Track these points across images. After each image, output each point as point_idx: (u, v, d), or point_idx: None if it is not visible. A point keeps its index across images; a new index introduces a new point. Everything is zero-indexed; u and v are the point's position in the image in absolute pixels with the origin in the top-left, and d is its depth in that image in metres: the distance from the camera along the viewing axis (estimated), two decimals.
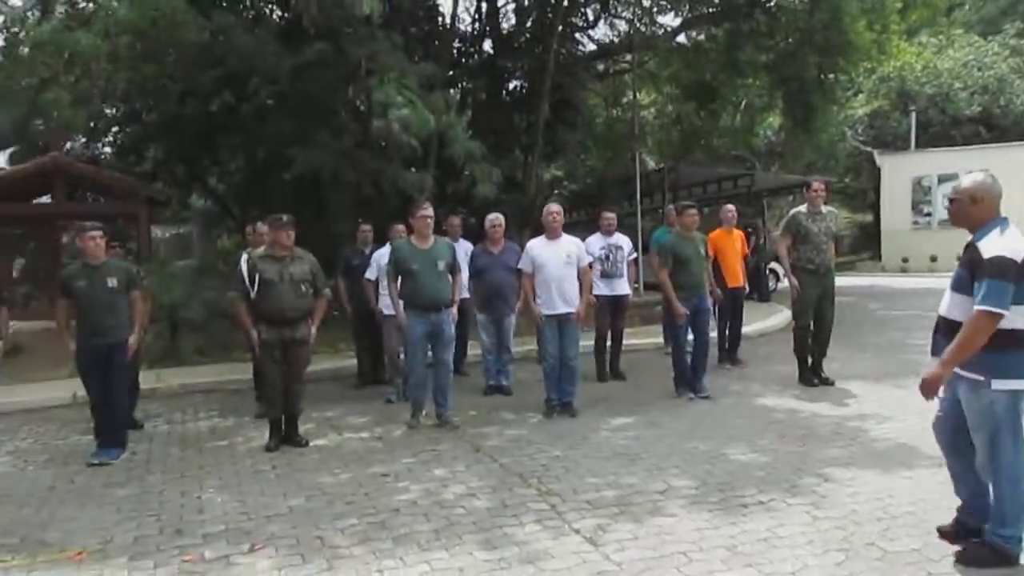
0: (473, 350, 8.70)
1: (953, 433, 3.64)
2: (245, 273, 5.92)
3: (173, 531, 4.26)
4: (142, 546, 4.06)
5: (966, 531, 3.68)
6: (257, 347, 6.02)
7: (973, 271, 3.36)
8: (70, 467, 5.71)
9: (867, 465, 4.92)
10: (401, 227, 7.67)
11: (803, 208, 7.61)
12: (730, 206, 8.84)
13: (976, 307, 3.27)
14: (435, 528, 4.13)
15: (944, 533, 3.77)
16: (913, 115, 28.59)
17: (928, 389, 3.42)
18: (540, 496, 4.59)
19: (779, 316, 12.38)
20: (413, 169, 10.67)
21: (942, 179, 26.30)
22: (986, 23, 33.78)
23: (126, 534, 4.24)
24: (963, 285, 3.44)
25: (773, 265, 15.89)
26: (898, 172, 26.64)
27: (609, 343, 8.31)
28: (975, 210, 3.43)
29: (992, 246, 3.30)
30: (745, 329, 9.15)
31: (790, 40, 13.28)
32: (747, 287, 9.27)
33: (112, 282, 5.81)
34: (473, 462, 5.34)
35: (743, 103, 19.37)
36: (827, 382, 7.46)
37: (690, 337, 7.29)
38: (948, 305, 3.54)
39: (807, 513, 4.17)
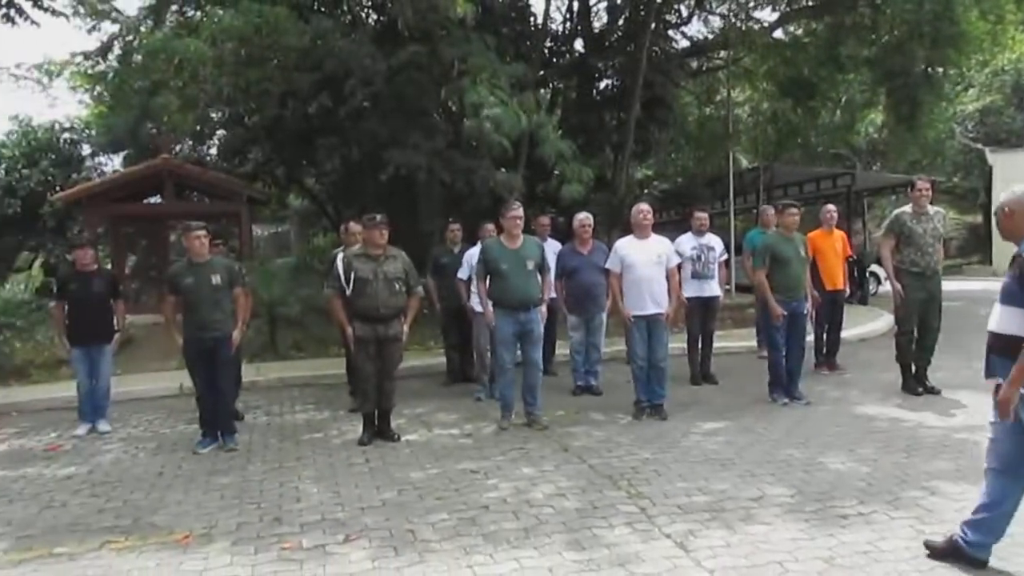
0: (561, 350, 8.69)
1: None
2: (341, 271, 6.06)
3: (272, 519, 4.42)
4: (244, 532, 4.23)
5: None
6: (351, 343, 6.17)
7: (1022, 283, 3.26)
8: (177, 454, 6.00)
9: (976, 479, 4.63)
10: (491, 226, 7.75)
11: (908, 208, 7.28)
12: (831, 206, 8.52)
13: None
14: (524, 526, 4.15)
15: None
16: None
17: (1003, 412, 3.32)
18: (630, 499, 4.55)
19: (880, 321, 11.90)
20: (503, 169, 10.72)
21: None
22: None
23: (229, 520, 4.43)
24: (1013, 297, 3.31)
25: (874, 268, 15.31)
26: (1011, 171, 25.13)
27: (700, 346, 8.17)
28: (1011, 223, 3.40)
29: None
30: (844, 334, 8.82)
31: (896, 33, 12.71)
32: (848, 290, 8.92)
33: (216, 279, 6.06)
34: (562, 462, 5.34)
35: (843, 99, 18.70)
36: (932, 391, 7.13)
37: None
38: (998, 319, 3.39)
39: (911, 527, 3.99)
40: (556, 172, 10.87)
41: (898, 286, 7.13)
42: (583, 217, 7.76)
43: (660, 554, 3.74)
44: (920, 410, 6.53)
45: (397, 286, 6.06)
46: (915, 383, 7.17)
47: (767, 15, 15.62)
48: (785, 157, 18.75)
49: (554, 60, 14.57)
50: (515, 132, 8.48)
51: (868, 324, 11.55)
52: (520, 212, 6.45)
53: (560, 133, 9.09)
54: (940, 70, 13.45)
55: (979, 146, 27.54)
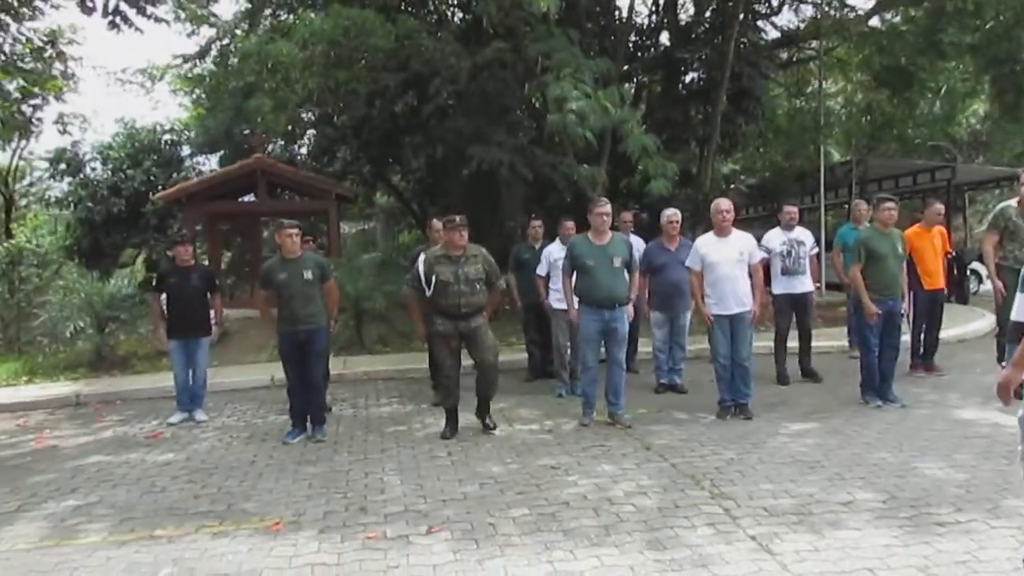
0: (643, 348, 8.61)
1: None
2: (422, 273, 6.10)
3: (358, 508, 4.53)
4: (331, 520, 4.35)
5: None
6: (427, 339, 6.26)
7: None
8: (268, 443, 6.22)
9: None
10: (570, 223, 7.74)
11: (1013, 202, 6.93)
12: (939, 205, 8.07)
13: None
14: (604, 524, 4.13)
15: None
16: None
17: (1000, 393, 3.31)
18: (713, 499, 4.47)
19: (981, 321, 11.33)
20: (586, 165, 10.67)
21: None
22: None
23: (316, 508, 4.56)
24: None
25: (975, 265, 14.59)
26: None
27: (797, 342, 7.96)
28: None
29: None
30: (942, 334, 8.42)
31: (1001, 18, 12.04)
32: (946, 289, 8.50)
33: (308, 274, 6.26)
34: (643, 460, 5.29)
35: (943, 89, 17.84)
36: None
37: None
38: (1017, 308, 3.37)
39: (1012, 537, 3.79)
40: (640, 167, 10.78)
41: (999, 284, 6.80)
42: (671, 213, 7.68)
43: (744, 556, 3.66)
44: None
45: (478, 286, 6.11)
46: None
47: (861, 2, 15.04)
48: (879, 150, 18.02)
49: (639, 54, 14.40)
50: (599, 125, 8.42)
51: (968, 324, 11.01)
52: (607, 208, 6.44)
53: (644, 128, 8.98)
54: None
55: None
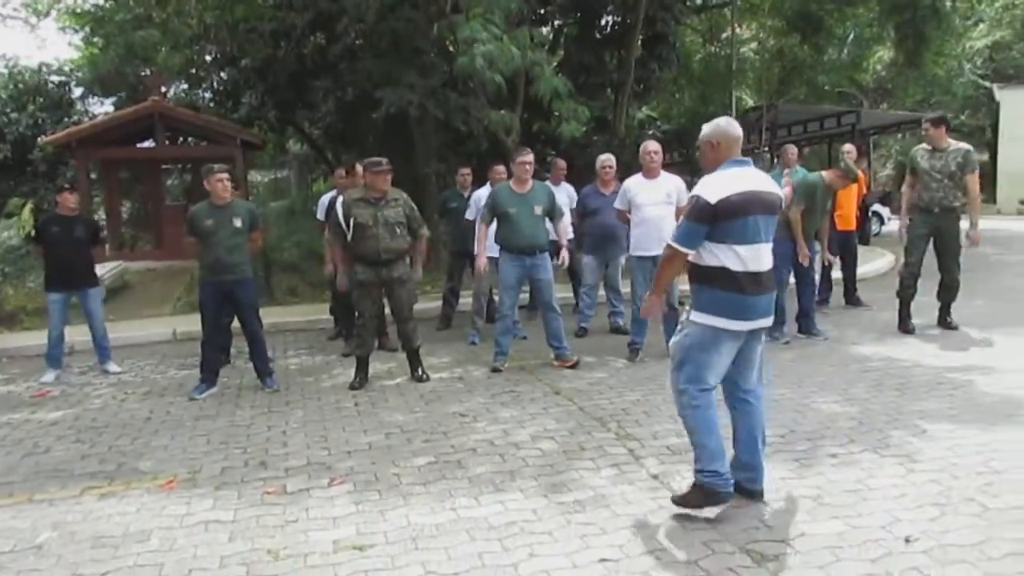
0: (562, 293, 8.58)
1: None
2: (341, 217, 5.93)
3: (258, 463, 4.39)
4: (228, 476, 4.20)
5: None
6: (351, 286, 6.10)
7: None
8: (166, 399, 5.96)
9: (968, 419, 4.60)
10: (501, 167, 7.65)
11: (925, 144, 7.16)
12: (849, 146, 8.37)
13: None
14: (510, 469, 4.11)
15: None
16: None
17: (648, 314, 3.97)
18: (618, 440, 4.50)
19: (881, 260, 11.79)
20: (502, 111, 10.48)
21: None
22: None
23: (214, 464, 4.39)
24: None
25: (876, 207, 15.10)
26: (1019, 107, 24.76)
27: None
28: (713, 154, 3.53)
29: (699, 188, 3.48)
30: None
31: None
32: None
33: (237, 222, 5.98)
34: (552, 404, 5.29)
35: (850, 36, 18.22)
36: (950, 326, 7.16)
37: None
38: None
39: (900, 465, 3.93)
40: (555, 113, 10.65)
41: (905, 220, 7.12)
42: (605, 158, 7.68)
43: (645, 495, 3.69)
44: (917, 349, 6.46)
45: (399, 230, 5.92)
46: (908, 321, 7.13)
47: None
48: (790, 96, 18.36)
49: None
50: (509, 69, 8.22)
51: (868, 264, 11.40)
52: (529, 158, 6.35)
53: (556, 71, 8.83)
54: (948, 3, 13.02)
55: (988, 84, 26.99)
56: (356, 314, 6.47)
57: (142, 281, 11.36)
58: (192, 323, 8.85)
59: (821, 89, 21.19)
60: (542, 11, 13.47)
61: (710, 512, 3.45)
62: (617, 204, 6.74)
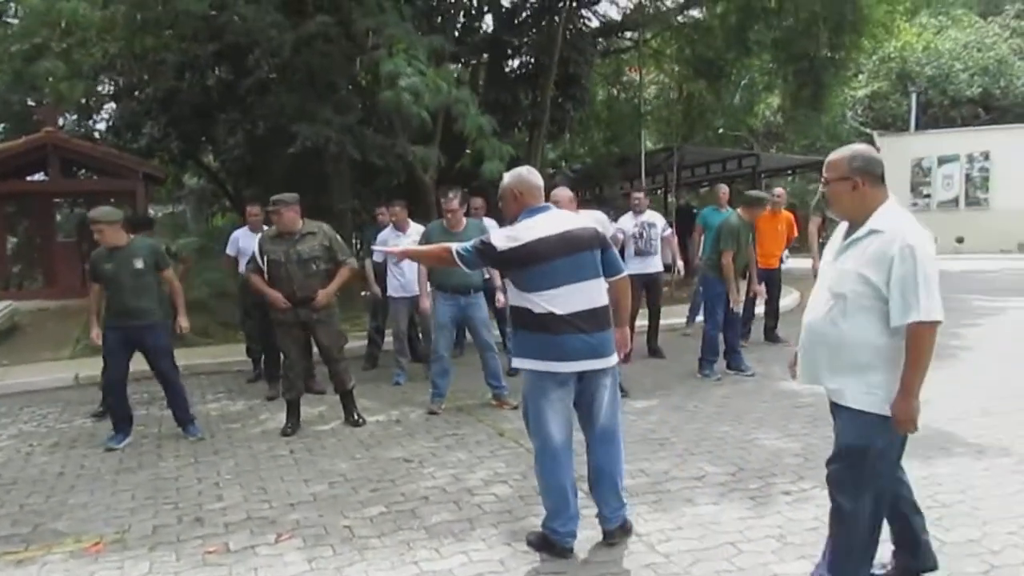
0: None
1: None
2: (258, 255, 5.75)
3: (192, 519, 4.07)
4: (162, 536, 3.87)
5: None
6: (276, 323, 5.85)
7: None
8: (78, 451, 5.52)
9: (907, 453, 4.74)
10: (382, 211, 7.97)
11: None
12: (779, 190, 8.81)
13: None
14: (467, 517, 3.96)
15: None
16: (914, 96, 28.47)
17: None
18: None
19: (788, 298, 12.22)
20: (420, 146, 10.40)
21: (942, 160, 26.27)
22: (986, 3, 33.55)
23: (143, 523, 4.05)
24: None
25: None
26: (898, 154, 26.46)
27: (646, 321, 8.17)
28: (515, 204, 3.57)
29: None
30: (757, 310, 9.01)
31: (802, 17, 13.01)
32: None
33: (138, 263, 5.54)
34: (498, 446, 5.17)
35: (742, 82, 19.09)
36: None
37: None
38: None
39: None
40: (468, 150, 10.66)
41: (818, 262, 7.36)
42: (558, 191, 7.60)
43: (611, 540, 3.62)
44: None
45: (315, 265, 5.68)
46: None
47: None
48: (692, 140, 19.04)
49: (467, 37, 14.24)
50: (435, 103, 8.16)
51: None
52: (455, 205, 6.23)
53: (481, 109, 8.82)
54: (842, 54, 13.83)
55: (868, 130, 28.77)
56: (282, 356, 6.18)
57: (34, 322, 10.59)
58: (95, 367, 8.30)
59: (716, 133, 22.12)
60: (454, 49, 13.52)
61: (687, 557, 3.41)
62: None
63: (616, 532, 3.60)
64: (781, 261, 8.90)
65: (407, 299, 7.27)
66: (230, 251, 7.65)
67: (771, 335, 8.90)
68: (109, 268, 5.52)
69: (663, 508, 4.01)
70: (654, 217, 8.25)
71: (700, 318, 8.31)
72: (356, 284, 8.20)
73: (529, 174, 3.60)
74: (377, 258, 7.61)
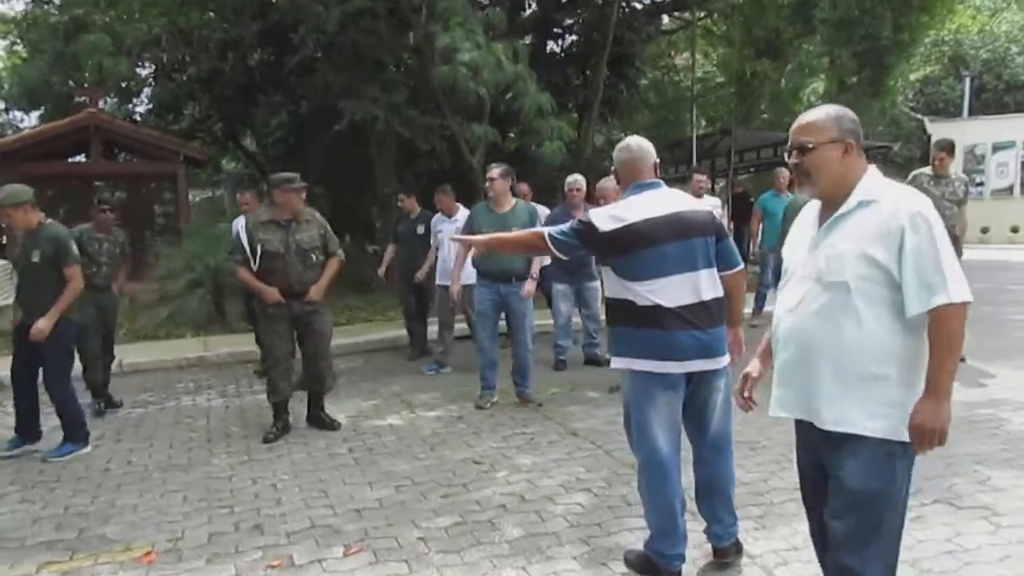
0: (540, 320, 8.09)
1: None
2: (245, 243, 5.15)
3: (251, 527, 3.72)
4: (219, 545, 3.52)
5: None
6: (261, 320, 5.35)
7: None
8: (123, 444, 5.21)
9: (1015, 466, 4.26)
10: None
11: (927, 170, 6.95)
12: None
13: None
14: (552, 530, 3.56)
15: None
16: (967, 80, 27.46)
17: None
18: None
19: None
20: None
21: (996, 147, 25.27)
22: None
23: (198, 529, 3.70)
24: None
25: None
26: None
27: None
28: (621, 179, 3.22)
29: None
30: None
31: None
32: None
33: (35, 255, 4.84)
34: (573, 448, 4.75)
35: (787, 67, 18.38)
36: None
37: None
38: None
39: (985, 520, 3.54)
40: (512, 133, 10.27)
41: None
42: (573, 180, 7.13)
43: (722, 559, 3.19)
44: None
45: (314, 256, 5.21)
46: None
47: None
48: (742, 123, 18.41)
49: (513, 16, 13.79)
50: (495, 80, 7.72)
51: None
52: (496, 174, 5.75)
53: (541, 86, 8.39)
54: (907, 35, 13.14)
55: (919, 116, 27.83)
56: (266, 354, 5.58)
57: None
58: (140, 353, 8.09)
59: (763, 119, 21.42)
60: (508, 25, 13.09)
61: None
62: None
63: (730, 550, 3.18)
64: None
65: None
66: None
67: None
68: (18, 256, 4.96)
69: (770, 524, 3.57)
70: (714, 202, 7.81)
71: (768, 307, 7.84)
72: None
73: (639, 143, 3.19)
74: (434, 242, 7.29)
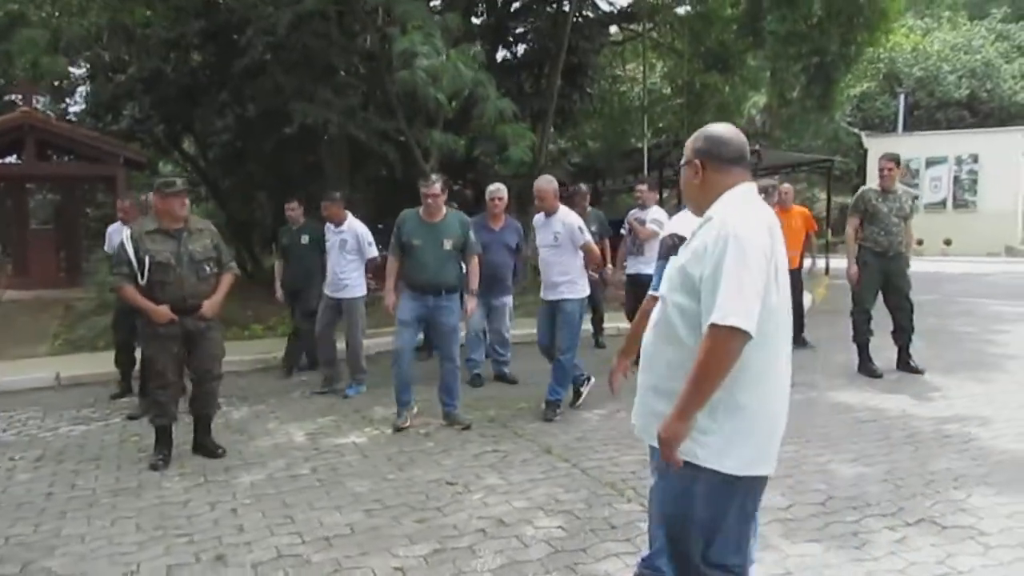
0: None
1: None
2: (131, 254, 4.72)
3: (213, 557, 3.47)
4: None
5: None
6: (147, 337, 4.89)
7: None
8: (66, 465, 4.87)
9: (1002, 480, 4.23)
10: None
11: (874, 186, 7.01)
12: (786, 185, 8.19)
13: None
14: (537, 557, 3.40)
15: None
16: (902, 97, 28.34)
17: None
18: (645, 512, 3.86)
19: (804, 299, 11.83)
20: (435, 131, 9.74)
21: (930, 162, 26.15)
22: (972, 7, 33.61)
23: (154, 561, 3.44)
24: None
25: None
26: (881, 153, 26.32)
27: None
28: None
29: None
30: None
31: (815, 10, 12.56)
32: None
33: None
34: (548, 467, 4.60)
35: (732, 79, 18.61)
36: (916, 371, 6.90)
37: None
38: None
39: (973, 541, 3.50)
40: (471, 136, 10.13)
41: (854, 268, 6.91)
42: (495, 189, 6.86)
43: None
44: (893, 396, 6.18)
45: (207, 268, 4.88)
46: (872, 364, 6.95)
47: None
48: (690, 133, 18.59)
49: (469, 19, 13.66)
50: (454, 88, 7.55)
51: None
52: (437, 190, 5.47)
53: (502, 91, 8.25)
54: (853, 50, 13.42)
55: (856, 131, 28.61)
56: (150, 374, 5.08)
57: (6, 315, 9.85)
58: (77, 365, 7.68)
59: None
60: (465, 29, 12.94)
61: None
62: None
63: None
64: (801, 260, 8.32)
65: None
66: (108, 248, 6.99)
67: (797, 339, 8.42)
68: None
69: (759, 547, 3.48)
70: (656, 213, 7.47)
71: None
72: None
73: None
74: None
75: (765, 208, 2.23)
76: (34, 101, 12.90)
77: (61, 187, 14.16)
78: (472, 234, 5.75)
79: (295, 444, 5.22)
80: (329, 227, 6.87)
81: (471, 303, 5.86)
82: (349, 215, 6.88)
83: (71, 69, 14.79)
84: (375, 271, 6.97)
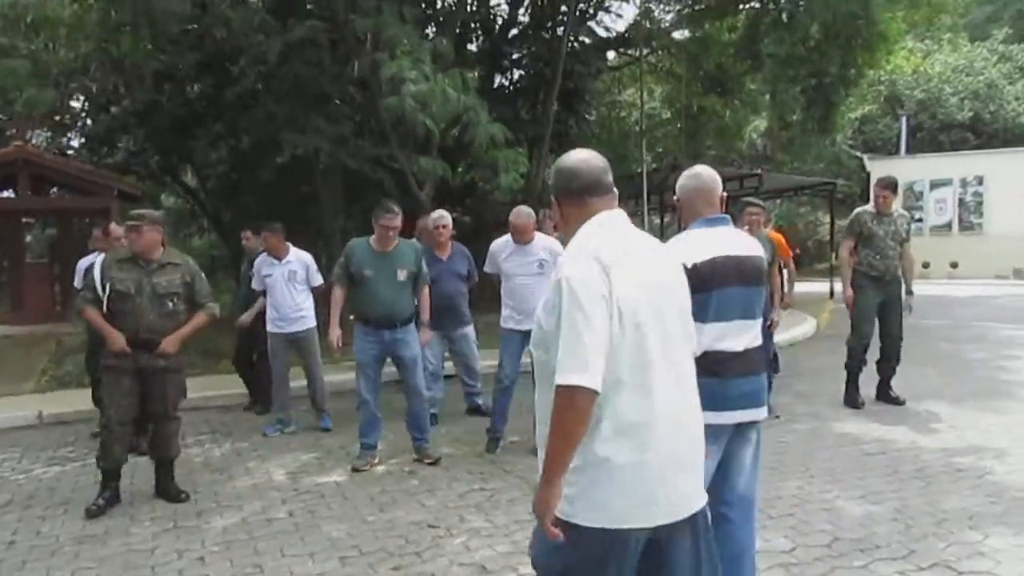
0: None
1: None
2: (98, 279, 4.63)
3: None
4: None
5: None
6: (104, 367, 4.68)
7: None
8: (34, 511, 4.65)
9: (1020, 520, 4.01)
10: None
11: (869, 207, 6.79)
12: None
13: None
14: None
15: None
16: (903, 119, 28.24)
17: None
18: None
19: (805, 325, 11.59)
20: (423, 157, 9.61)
21: (934, 184, 25.93)
22: (973, 28, 33.62)
23: None
24: None
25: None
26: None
27: None
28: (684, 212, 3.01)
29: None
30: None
31: (813, 32, 12.49)
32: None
33: None
34: None
35: (732, 103, 18.56)
36: (896, 401, 6.64)
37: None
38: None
39: None
40: (468, 163, 9.97)
41: (849, 293, 6.70)
42: (437, 217, 6.52)
43: None
44: (900, 426, 5.94)
45: (171, 304, 4.66)
46: (857, 395, 6.69)
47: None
48: (696, 159, 18.51)
49: (465, 45, 13.61)
50: (444, 113, 7.40)
51: (794, 329, 11.13)
52: (394, 222, 5.20)
53: (494, 116, 8.10)
54: (853, 72, 13.31)
55: (858, 154, 28.50)
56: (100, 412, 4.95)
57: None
58: (63, 403, 7.47)
59: (707, 154, 21.59)
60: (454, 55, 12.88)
61: None
62: (486, 268, 5.88)
63: None
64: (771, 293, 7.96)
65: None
66: (77, 283, 6.30)
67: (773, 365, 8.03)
68: None
69: None
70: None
71: None
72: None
73: (710, 172, 2.96)
74: (255, 285, 6.71)
75: (621, 235, 2.05)
76: (31, 135, 12.89)
77: (57, 221, 14.08)
78: (424, 263, 5.55)
79: (274, 484, 5.00)
80: (270, 260, 6.53)
81: (425, 335, 5.65)
82: (290, 246, 6.59)
83: (72, 104, 14.83)
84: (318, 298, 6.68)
